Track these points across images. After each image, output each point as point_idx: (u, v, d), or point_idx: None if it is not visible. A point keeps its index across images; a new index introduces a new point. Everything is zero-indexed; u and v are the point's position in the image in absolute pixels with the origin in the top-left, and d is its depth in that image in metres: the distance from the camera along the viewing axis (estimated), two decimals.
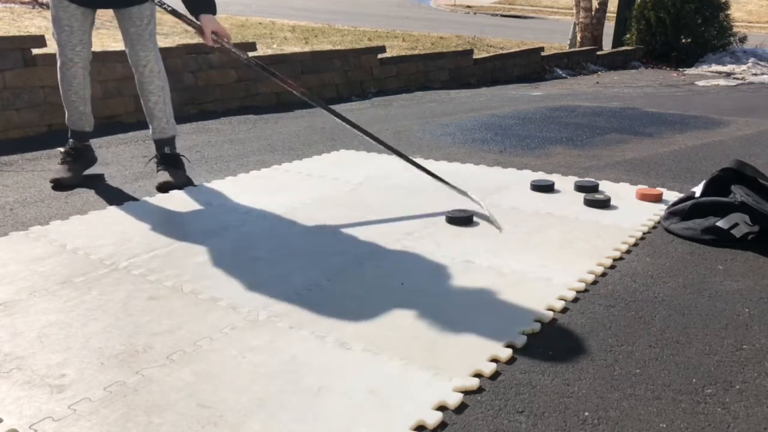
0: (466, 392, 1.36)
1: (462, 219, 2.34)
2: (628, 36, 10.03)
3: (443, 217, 2.40)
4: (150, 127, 2.86)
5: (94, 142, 3.62)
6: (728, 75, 8.36)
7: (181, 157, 2.92)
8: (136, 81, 2.76)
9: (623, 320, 1.69)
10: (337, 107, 5.07)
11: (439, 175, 2.63)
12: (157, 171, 2.84)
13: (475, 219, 2.37)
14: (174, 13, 2.50)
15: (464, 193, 2.58)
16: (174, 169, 2.82)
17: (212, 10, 2.49)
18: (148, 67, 2.72)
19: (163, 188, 2.71)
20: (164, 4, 2.57)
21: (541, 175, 3.00)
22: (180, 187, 2.73)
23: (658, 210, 2.52)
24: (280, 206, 2.52)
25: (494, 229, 2.30)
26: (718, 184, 2.35)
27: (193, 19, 2.46)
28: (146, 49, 2.69)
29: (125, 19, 2.65)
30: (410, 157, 2.67)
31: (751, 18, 21.77)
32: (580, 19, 9.90)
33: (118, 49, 5.34)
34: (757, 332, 1.64)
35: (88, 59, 2.69)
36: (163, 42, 6.07)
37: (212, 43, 2.45)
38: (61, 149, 2.87)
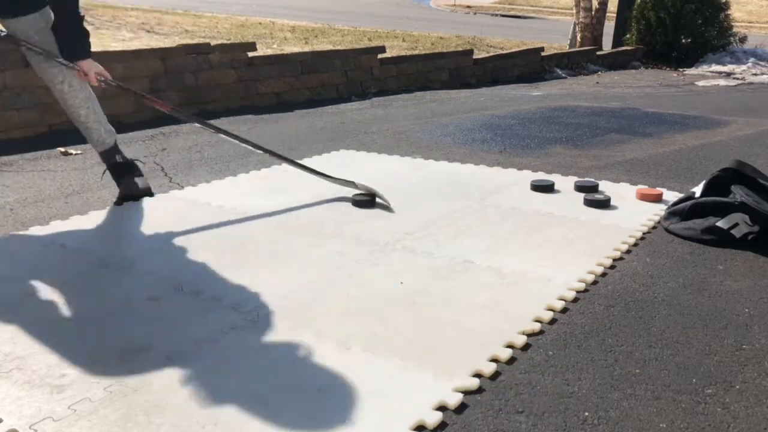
0: (466, 392, 1.36)
1: (365, 202, 2.52)
2: (628, 36, 10.03)
3: (443, 217, 2.40)
4: (90, 141, 2.63)
5: None
6: (728, 75, 8.35)
7: (136, 161, 2.71)
8: (58, 99, 2.52)
9: (623, 320, 1.69)
10: (337, 107, 5.09)
11: (321, 171, 2.77)
12: (119, 184, 2.64)
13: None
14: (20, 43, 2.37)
15: (351, 183, 2.66)
16: (131, 177, 2.64)
17: (87, 54, 2.44)
18: (66, 83, 2.46)
19: (127, 199, 2.58)
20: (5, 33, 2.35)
21: (541, 175, 3.00)
22: (144, 195, 2.61)
23: (658, 210, 2.52)
24: (280, 206, 2.52)
25: (494, 229, 2.30)
26: (718, 184, 2.35)
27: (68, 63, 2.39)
28: (56, 64, 2.41)
29: (23, 37, 2.36)
30: (292, 159, 2.80)
31: (751, 18, 21.77)
32: (580, 19, 9.90)
33: (118, 48, 5.34)
34: (757, 332, 1.64)
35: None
36: (163, 42, 6.08)
37: (96, 83, 2.45)
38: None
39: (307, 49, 6.68)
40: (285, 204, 2.54)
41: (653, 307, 1.76)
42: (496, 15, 22.94)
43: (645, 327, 1.66)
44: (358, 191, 2.60)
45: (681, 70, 9.04)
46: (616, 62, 9.27)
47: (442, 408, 1.30)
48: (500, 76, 7.48)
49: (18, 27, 2.36)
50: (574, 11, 10.18)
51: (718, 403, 1.35)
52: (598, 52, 9.26)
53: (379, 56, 6.11)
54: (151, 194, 2.65)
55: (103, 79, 2.46)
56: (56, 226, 2.29)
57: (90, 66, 2.42)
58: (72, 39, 2.41)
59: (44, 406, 1.29)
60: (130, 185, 2.62)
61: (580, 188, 2.73)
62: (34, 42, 2.37)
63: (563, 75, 8.09)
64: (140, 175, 2.69)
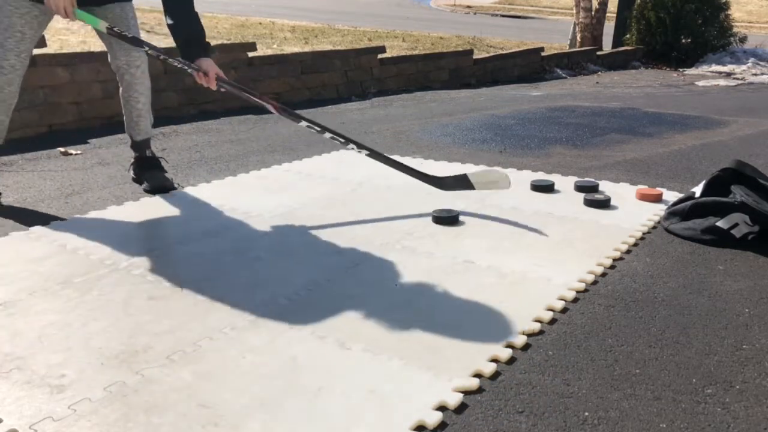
0: (466, 392, 1.36)
1: (448, 218, 2.34)
2: (628, 36, 10.03)
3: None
4: (134, 129, 2.73)
5: (95, 142, 3.63)
6: (728, 75, 8.35)
7: (161, 158, 2.86)
8: (125, 83, 2.62)
9: (623, 320, 1.69)
10: (337, 107, 5.09)
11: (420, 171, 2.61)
12: (144, 177, 2.75)
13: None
14: (154, 49, 2.44)
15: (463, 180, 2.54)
16: (158, 171, 2.77)
17: (209, 53, 2.41)
18: (140, 69, 2.60)
19: (159, 191, 2.68)
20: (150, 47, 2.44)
21: (541, 175, 3.00)
22: (171, 189, 2.71)
23: (658, 210, 2.52)
24: (280, 206, 2.52)
25: (494, 229, 2.30)
26: (718, 184, 2.35)
27: (191, 64, 2.37)
28: (139, 49, 2.54)
29: (109, 21, 2.46)
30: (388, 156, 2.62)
31: (751, 18, 21.77)
32: (580, 19, 9.90)
33: None
34: (757, 332, 1.64)
35: (26, 68, 2.47)
36: (164, 42, 6.07)
37: (215, 86, 2.38)
38: None
39: (307, 49, 6.68)
40: (285, 204, 2.55)
41: (653, 307, 1.76)
42: (496, 15, 22.94)
43: (645, 327, 1.66)
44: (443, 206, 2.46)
45: (681, 70, 9.04)
46: (616, 62, 9.27)
47: (442, 408, 1.30)
48: (500, 76, 7.48)
49: (121, 12, 2.50)
50: (574, 11, 10.18)
51: (718, 403, 1.35)
52: (598, 52, 9.27)
53: (379, 56, 6.11)
54: (174, 188, 2.75)
55: (222, 81, 2.39)
56: (56, 226, 2.29)
57: (211, 66, 2.38)
58: (194, 37, 2.40)
59: (44, 406, 1.29)
60: (160, 178, 2.73)
61: (580, 188, 2.73)
62: (132, 26, 2.52)
63: (563, 75, 8.09)
64: (165, 171, 2.81)
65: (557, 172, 3.08)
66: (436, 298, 1.77)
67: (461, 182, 2.55)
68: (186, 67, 2.38)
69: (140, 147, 2.79)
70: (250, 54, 5.06)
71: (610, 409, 1.33)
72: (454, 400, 1.32)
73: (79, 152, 3.42)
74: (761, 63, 9.11)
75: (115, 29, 2.42)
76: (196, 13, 2.42)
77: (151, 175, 2.74)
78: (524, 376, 1.43)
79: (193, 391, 1.35)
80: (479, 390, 1.37)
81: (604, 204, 2.55)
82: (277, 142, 3.70)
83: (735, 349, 1.56)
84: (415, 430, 1.24)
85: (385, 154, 2.60)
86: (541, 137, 3.94)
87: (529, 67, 7.97)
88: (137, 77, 2.61)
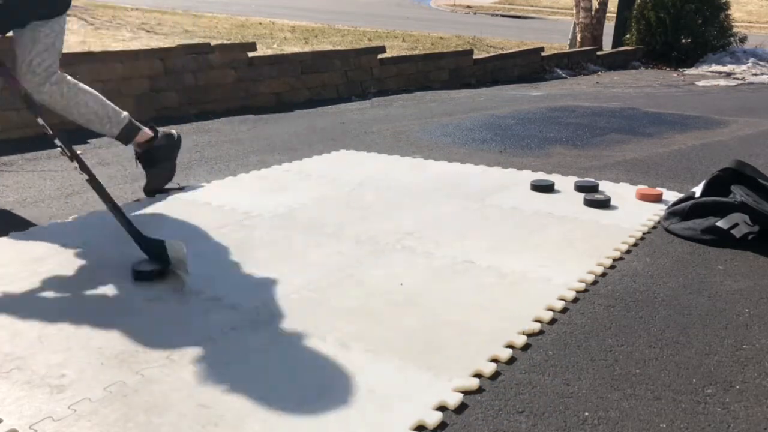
0: (466, 392, 1.36)
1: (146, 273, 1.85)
2: (628, 36, 10.02)
3: (443, 217, 2.40)
4: (101, 131, 2.62)
5: (95, 142, 3.62)
6: (728, 75, 8.35)
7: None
8: (44, 107, 2.41)
9: (623, 320, 1.69)
10: (337, 107, 5.09)
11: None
12: (149, 173, 2.70)
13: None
14: None
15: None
16: (159, 170, 2.70)
17: None
18: (45, 89, 2.39)
19: (155, 192, 2.66)
20: None
21: (541, 175, 3.00)
22: (163, 190, 2.68)
23: (658, 210, 2.52)
24: (280, 206, 2.52)
25: (494, 229, 2.30)
26: (718, 184, 2.35)
27: None
28: (35, 65, 2.35)
29: (18, 45, 2.33)
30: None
31: (751, 18, 21.76)
32: (580, 19, 9.89)
33: (118, 48, 5.34)
34: (757, 332, 1.64)
35: None
36: (163, 42, 6.08)
37: None
38: None
39: (307, 49, 6.68)
40: (285, 204, 2.54)
41: (653, 307, 1.76)
42: (496, 15, 22.93)
43: (645, 327, 1.66)
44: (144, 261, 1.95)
45: (681, 70, 9.03)
46: (616, 62, 9.27)
47: (442, 408, 1.30)
48: (500, 76, 7.48)
49: (31, 34, 2.30)
50: (574, 11, 10.17)
51: (718, 403, 1.35)
52: (598, 52, 9.26)
53: (379, 56, 6.11)
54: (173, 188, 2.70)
55: None
56: (56, 226, 2.29)
57: None
58: None
59: (44, 406, 1.29)
60: (159, 178, 2.68)
61: (580, 188, 2.73)
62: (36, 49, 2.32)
63: (563, 75, 8.09)
64: (170, 159, 2.71)
65: (557, 172, 3.08)
66: (435, 298, 1.77)
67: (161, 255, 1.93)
68: None
69: (125, 138, 2.63)
70: (250, 54, 5.06)
71: (610, 409, 1.33)
72: (454, 400, 1.32)
73: (79, 152, 3.41)
74: (761, 63, 9.11)
75: None
76: None
77: (151, 174, 2.71)
78: (524, 376, 1.43)
79: (193, 391, 1.35)
80: (479, 390, 1.37)
81: (604, 204, 2.55)
82: (277, 142, 3.70)
83: (735, 349, 1.56)
84: (415, 430, 1.24)
85: (112, 204, 2.14)
86: (541, 137, 3.94)
87: (529, 67, 7.96)
88: (47, 99, 2.40)
